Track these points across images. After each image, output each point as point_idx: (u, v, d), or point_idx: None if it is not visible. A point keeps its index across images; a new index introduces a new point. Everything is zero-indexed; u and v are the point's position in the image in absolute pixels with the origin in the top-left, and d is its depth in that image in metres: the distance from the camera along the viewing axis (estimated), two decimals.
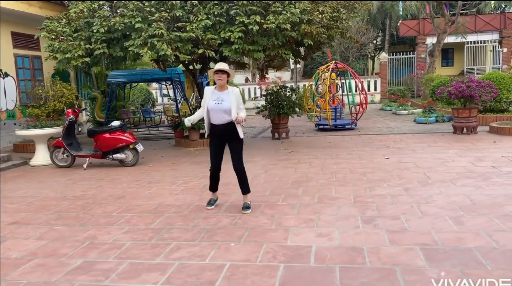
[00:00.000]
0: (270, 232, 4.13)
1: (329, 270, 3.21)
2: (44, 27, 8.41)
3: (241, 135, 4.80)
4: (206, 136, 5.01)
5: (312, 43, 8.72)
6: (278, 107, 10.83)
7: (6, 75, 11.50)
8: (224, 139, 4.83)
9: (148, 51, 7.69)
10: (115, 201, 5.64)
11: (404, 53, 25.30)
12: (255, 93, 22.56)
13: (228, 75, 4.72)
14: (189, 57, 8.30)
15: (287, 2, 8.25)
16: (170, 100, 18.75)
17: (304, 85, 18.81)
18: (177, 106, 13.38)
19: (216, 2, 8.04)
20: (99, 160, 8.40)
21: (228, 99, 4.66)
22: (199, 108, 5.32)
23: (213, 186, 5.09)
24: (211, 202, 5.11)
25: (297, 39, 8.71)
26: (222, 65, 4.73)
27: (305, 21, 8.21)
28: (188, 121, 5.01)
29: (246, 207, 4.88)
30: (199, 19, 7.82)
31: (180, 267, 3.42)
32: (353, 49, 25.55)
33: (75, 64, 8.00)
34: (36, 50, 12.54)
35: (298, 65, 21.16)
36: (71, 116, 8.39)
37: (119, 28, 7.67)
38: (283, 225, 4.29)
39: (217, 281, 3.14)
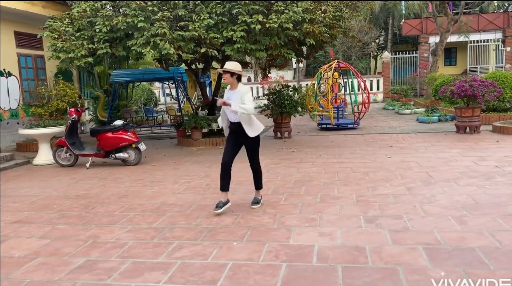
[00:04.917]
0: (272, 231, 4.13)
1: (332, 270, 3.21)
2: (47, 26, 8.43)
3: (250, 134, 4.64)
4: (226, 136, 5.03)
5: (314, 43, 8.71)
6: (280, 107, 10.82)
7: (9, 74, 11.54)
8: (238, 136, 4.78)
9: (151, 50, 7.70)
10: (118, 200, 5.65)
11: (407, 52, 25.25)
12: (257, 92, 22.55)
13: (232, 74, 4.63)
14: (192, 56, 8.31)
15: (289, 1, 8.24)
16: (172, 99, 18.77)
17: (307, 84, 18.78)
18: (179, 105, 13.39)
19: (218, 1, 8.04)
20: (101, 159, 8.41)
21: (235, 98, 4.63)
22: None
23: (224, 183, 4.72)
24: (219, 205, 4.68)
25: (300, 39, 8.70)
26: (226, 65, 4.70)
27: (307, 20, 8.20)
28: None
29: (255, 202, 4.96)
30: (201, 18, 7.82)
31: (182, 266, 3.42)
32: (356, 49, 25.50)
33: (78, 63, 8.03)
34: (39, 49, 12.58)
35: (300, 65, 21.15)
36: (74, 115, 8.41)
37: (122, 28, 7.69)
38: (285, 224, 4.29)
39: (219, 280, 3.14)
